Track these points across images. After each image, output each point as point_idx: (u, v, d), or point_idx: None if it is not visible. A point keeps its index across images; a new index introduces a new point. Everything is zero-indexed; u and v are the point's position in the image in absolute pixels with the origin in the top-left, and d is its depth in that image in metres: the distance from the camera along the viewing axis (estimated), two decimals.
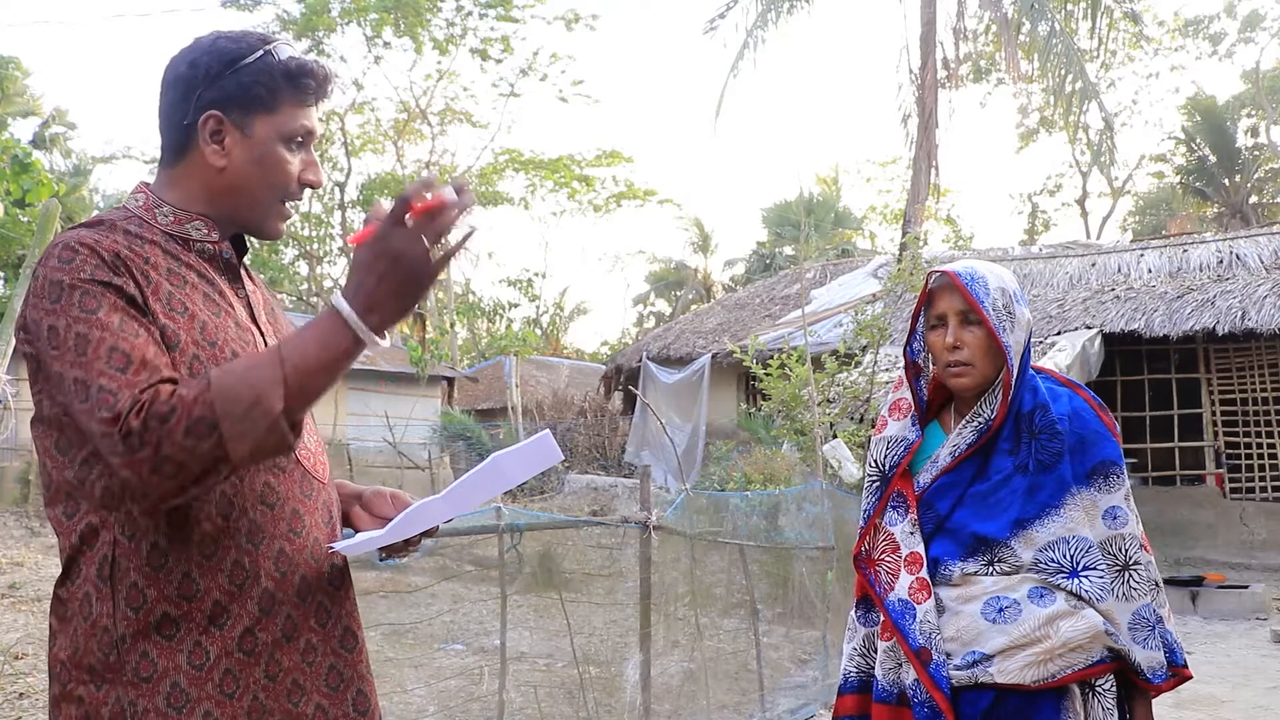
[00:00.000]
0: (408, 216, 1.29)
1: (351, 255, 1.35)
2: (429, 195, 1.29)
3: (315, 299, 29.06)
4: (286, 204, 1.54)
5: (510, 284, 31.61)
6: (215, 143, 1.47)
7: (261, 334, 1.53)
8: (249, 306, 1.54)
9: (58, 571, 1.43)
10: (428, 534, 1.59)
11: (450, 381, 22.80)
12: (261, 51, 1.47)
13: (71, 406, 1.30)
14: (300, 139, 1.52)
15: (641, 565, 4.63)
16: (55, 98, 51.60)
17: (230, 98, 1.46)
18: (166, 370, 1.31)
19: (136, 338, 1.31)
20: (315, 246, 29.48)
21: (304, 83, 1.50)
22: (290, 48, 1.51)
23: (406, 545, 1.59)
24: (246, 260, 1.62)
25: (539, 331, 31.04)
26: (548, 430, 1.53)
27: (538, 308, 33.86)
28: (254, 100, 1.47)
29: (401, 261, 1.29)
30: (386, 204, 1.32)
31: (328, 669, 1.48)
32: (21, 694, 5.30)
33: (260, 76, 1.47)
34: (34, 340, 1.35)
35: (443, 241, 1.31)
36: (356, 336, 1.30)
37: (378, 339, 1.32)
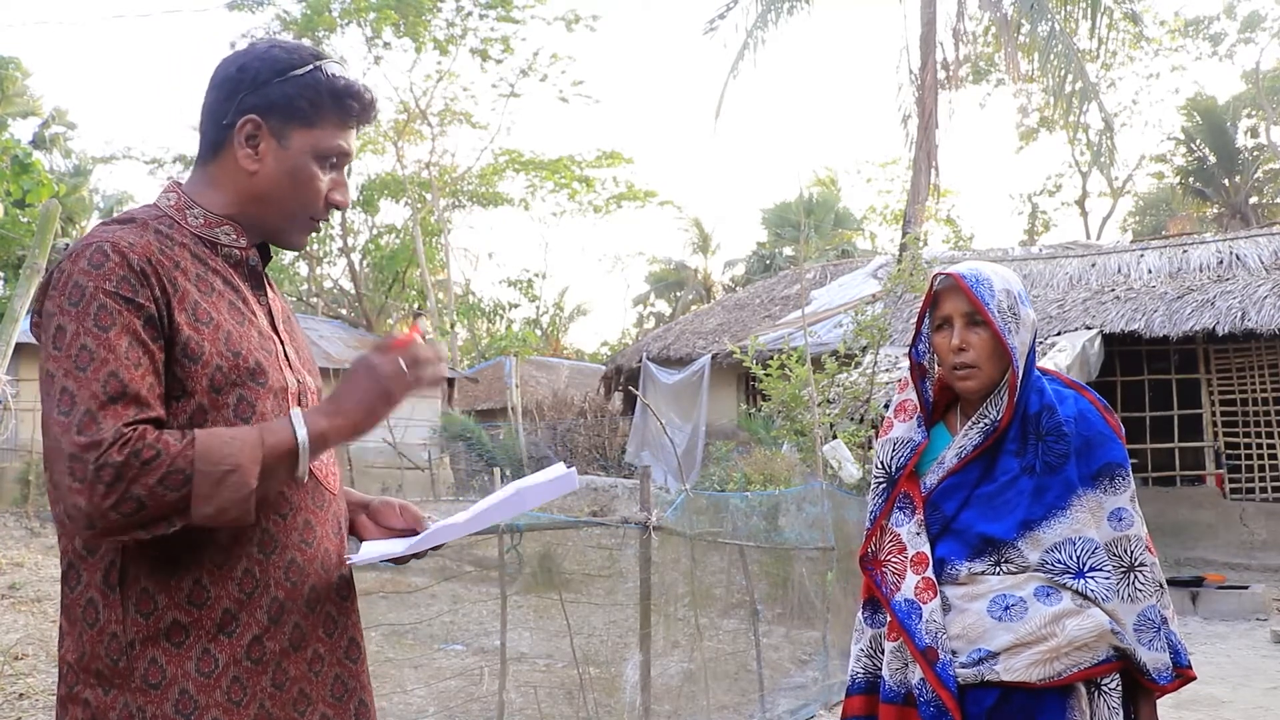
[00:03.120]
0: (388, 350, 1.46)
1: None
2: (406, 331, 1.50)
3: (315, 299, 29.07)
4: (312, 220, 1.55)
5: (510, 284, 31.63)
6: (250, 146, 1.48)
7: (282, 342, 1.54)
8: (270, 314, 1.55)
9: (58, 572, 1.43)
10: (436, 548, 1.60)
11: (450, 382, 22.80)
12: (312, 66, 1.49)
13: (50, 414, 1.30)
14: (334, 159, 1.53)
15: (641, 566, 4.63)
16: (55, 98, 51.73)
17: (273, 105, 1.47)
18: (156, 408, 1.33)
19: (138, 367, 1.32)
20: (315, 247, 29.47)
21: (348, 104, 1.51)
22: (341, 67, 1.53)
23: (413, 556, 1.60)
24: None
25: (539, 332, 31.04)
26: (574, 469, 1.57)
27: (538, 308, 33.87)
28: (295, 112, 1.48)
29: (376, 373, 1.43)
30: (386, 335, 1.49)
31: (333, 679, 1.49)
32: (21, 694, 5.30)
33: (306, 90, 1.48)
34: (42, 331, 1.36)
35: (417, 372, 1.46)
36: (295, 445, 1.38)
37: (304, 465, 1.40)
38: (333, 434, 1.42)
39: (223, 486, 1.29)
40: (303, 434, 1.37)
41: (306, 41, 1.64)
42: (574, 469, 1.58)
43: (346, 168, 1.58)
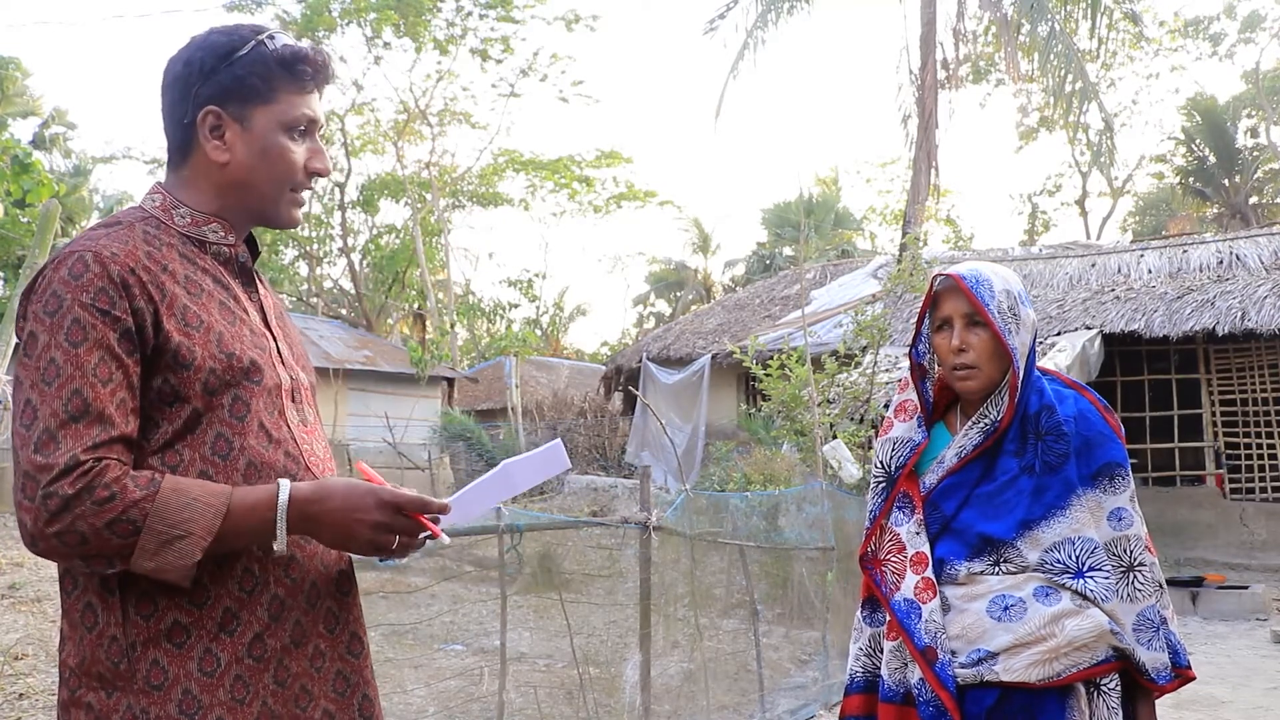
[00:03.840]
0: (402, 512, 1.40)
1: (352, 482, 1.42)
2: (433, 522, 1.44)
3: (315, 299, 29.06)
4: (298, 193, 1.54)
5: (510, 284, 31.59)
6: (216, 138, 1.47)
7: (274, 339, 1.53)
8: (261, 311, 1.54)
9: (58, 572, 1.42)
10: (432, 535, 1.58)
11: (450, 382, 22.81)
12: (254, 42, 1.47)
13: (14, 422, 1.30)
14: (303, 127, 1.51)
15: (641, 566, 4.63)
16: (55, 98, 51.71)
17: (227, 91, 1.45)
18: (121, 425, 1.31)
19: (106, 384, 1.30)
20: (315, 247, 29.47)
21: (300, 69, 1.49)
22: (284, 36, 1.50)
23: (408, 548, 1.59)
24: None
25: (539, 332, 31.03)
26: (559, 440, 1.54)
27: (538, 308, 33.86)
28: (250, 92, 1.46)
29: (368, 523, 1.37)
30: (417, 495, 1.42)
31: (335, 674, 1.48)
32: (21, 694, 5.29)
33: (255, 67, 1.46)
34: (20, 334, 1.36)
35: (397, 550, 1.43)
36: (273, 531, 1.35)
37: (280, 549, 1.36)
38: (308, 525, 1.38)
39: (168, 550, 1.28)
40: (284, 497, 1.35)
41: (249, 20, 1.61)
42: (559, 440, 1.56)
43: (320, 133, 1.55)
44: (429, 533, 1.44)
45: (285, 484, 1.36)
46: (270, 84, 1.47)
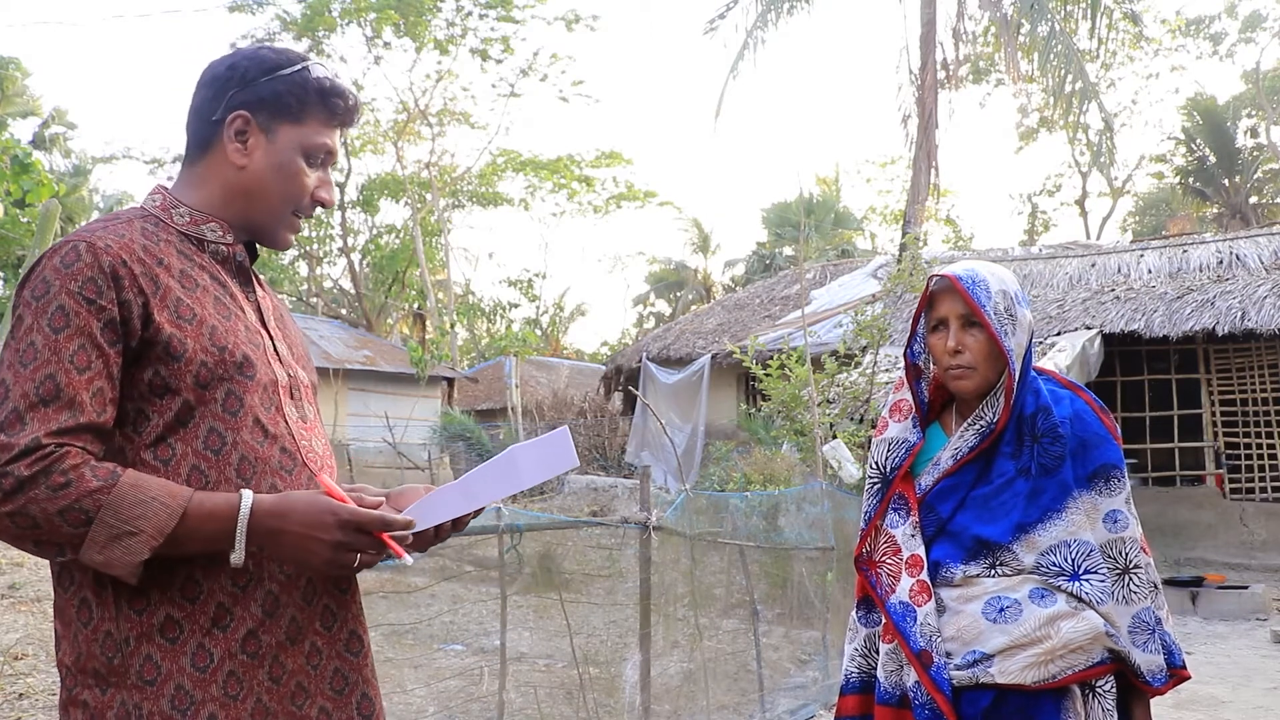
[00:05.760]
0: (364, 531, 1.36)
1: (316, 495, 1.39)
2: (399, 543, 1.39)
3: (315, 299, 29.06)
4: (297, 217, 1.57)
5: (510, 284, 31.66)
6: (238, 141, 1.51)
7: (271, 338, 1.54)
8: (259, 310, 1.56)
9: (53, 570, 1.42)
10: (457, 525, 1.53)
11: (450, 382, 22.81)
12: (300, 66, 1.53)
13: None
14: (321, 157, 1.56)
15: (641, 566, 4.63)
16: (55, 98, 51.82)
17: (261, 101, 1.50)
18: (91, 413, 1.31)
19: (83, 372, 1.31)
20: (315, 247, 29.48)
21: (334, 103, 1.55)
22: (326, 69, 1.57)
23: (423, 540, 1.53)
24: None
25: (539, 332, 31.04)
26: (565, 428, 1.53)
27: (538, 308, 33.90)
28: (283, 108, 1.51)
29: (328, 542, 1.34)
30: (380, 513, 1.38)
31: (332, 672, 1.48)
32: (21, 694, 5.30)
33: (294, 87, 1.52)
34: (12, 313, 1.38)
35: (356, 570, 1.42)
36: (233, 542, 1.33)
37: (238, 562, 1.35)
38: (266, 539, 1.35)
39: (115, 545, 1.28)
40: (245, 508, 1.33)
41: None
42: (565, 428, 1.54)
43: (331, 167, 1.60)
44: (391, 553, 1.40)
45: (248, 495, 1.35)
46: (303, 106, 1.53)
